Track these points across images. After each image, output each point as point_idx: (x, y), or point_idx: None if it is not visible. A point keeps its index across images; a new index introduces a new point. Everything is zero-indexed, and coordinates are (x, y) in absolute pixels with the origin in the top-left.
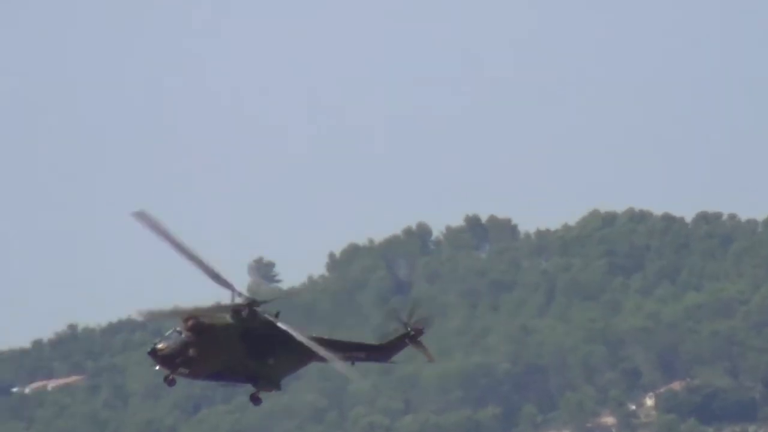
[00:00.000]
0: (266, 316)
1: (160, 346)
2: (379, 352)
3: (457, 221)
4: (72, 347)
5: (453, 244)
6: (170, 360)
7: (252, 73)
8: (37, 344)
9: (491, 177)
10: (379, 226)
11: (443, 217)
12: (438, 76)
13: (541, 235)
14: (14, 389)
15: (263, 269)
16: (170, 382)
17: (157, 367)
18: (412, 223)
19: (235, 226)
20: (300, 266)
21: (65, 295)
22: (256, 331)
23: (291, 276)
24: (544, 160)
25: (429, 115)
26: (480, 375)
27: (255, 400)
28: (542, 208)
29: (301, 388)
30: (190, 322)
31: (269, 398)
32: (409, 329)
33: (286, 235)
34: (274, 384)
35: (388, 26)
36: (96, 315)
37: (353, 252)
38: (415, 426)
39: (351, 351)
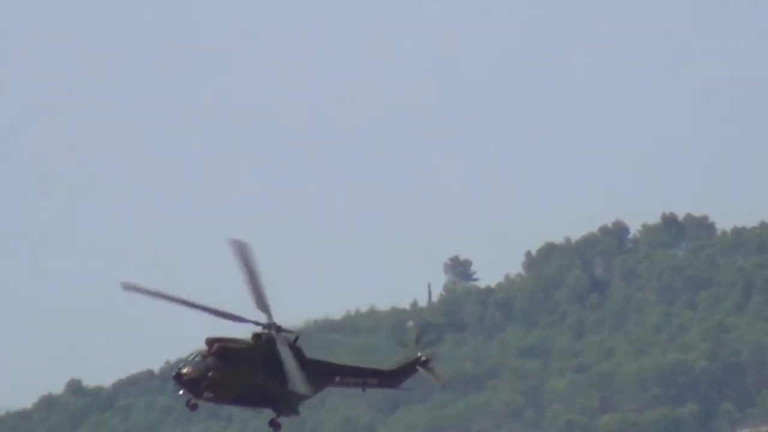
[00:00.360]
0: (285, 341)
1: (185, 370)
2: (390, 378)
3: (654, 219)
4: None
5: (650, 242)
6: (195, 385)
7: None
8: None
9: (688, 175)
10: (576, 225)
11: (640, 215)
12: (649, 74)
13: (738, 232)
14: None
15: (459, 268)
16: (192, 407)
17: (182, 392)
18: (609, 222)
19: (432, 225)
20: (496, 265)
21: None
22: (276, 356)
23: (487, 275)
24: (740, 158)
25: (628, 114)
26: (677, 372)
27: (275, 425)
28: (739, 206)
29: (499, 387)
30: (214, 347)
31: (464, 399)
32: (419, 355)
33: (482, 234)
34: (293, 408)
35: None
36: (295, 315)
37: (550, 251)
38: (612, 424)
39: (363, 376)
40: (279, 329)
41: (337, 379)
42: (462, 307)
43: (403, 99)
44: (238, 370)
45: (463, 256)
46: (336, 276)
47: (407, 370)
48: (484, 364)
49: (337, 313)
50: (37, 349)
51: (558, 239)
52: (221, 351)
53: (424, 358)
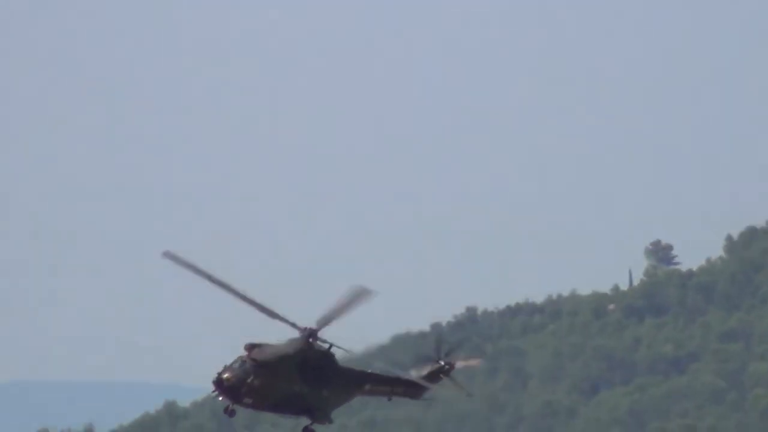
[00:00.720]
0: (321, 347)
1: (226, 376)
2: (415, 388)
3: None
4: (471, 330)
5: None
6: (236, 390)
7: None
8: (436, 327)
9: None
10: None
11: None
12: None
13: None
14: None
15: (661, 252)
16: (231, 413)
17: (221, 398)
18: None
19: (633, 209)
20: (698, 249)
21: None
22: (312, 362)
23: (688, 259)
24: None
25: None
26: None
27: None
28: None
29: (700, 370)
30: (253, 352)
31: (666, 382)
32: (443, 364)
33: (683, 218)
34: (327, 416)
35: None
36: (495, 298)
37: (751, 234)
38: None
39: (391, 385)
40: (315, 336)
41: (367, 387)
42: (663, 291)
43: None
44: (278, 375)
45: (664, 241)
46: (536, 261)
47: (432, 378)
48: (686, 348)
49: (538, 297)
50: None
51: (759, 223)
52: (259, 356)
53: (447, 367)
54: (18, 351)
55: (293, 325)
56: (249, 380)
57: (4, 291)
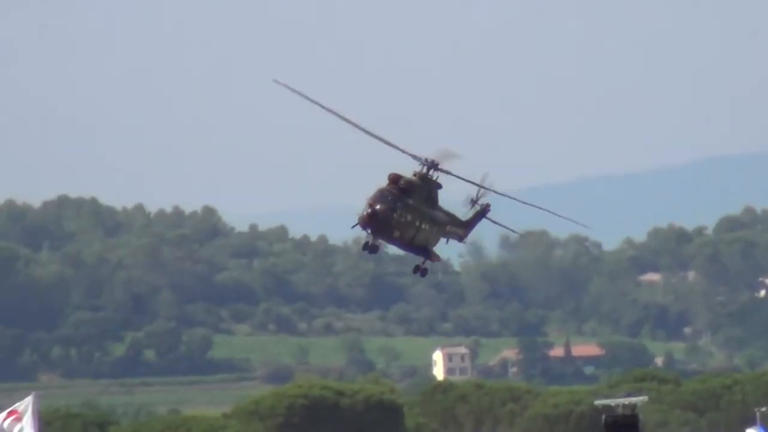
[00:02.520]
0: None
1: (380, 207)
2: (465, 228)
3: None
4: None
5: None
6: (387, 224)
7: None
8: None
9: None
10: None
11: None
12: None
13: None
14: None
15: None
16: (373, 249)
17: (370, 231)
18: None
19: None
20: None
21: None
22: (433, 197)
23: None
24: None
25: None
26: None
27: (423, 272)
28: None
29: None
30: (402, 182)
31: None
32: (482, 206)
33: None
34: (436, 254)
35: None
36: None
37: None
38: None
39: (462, 227)
40: (437, 168)
41: (448, 228)
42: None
43: None
44: (418, 209)
45: None
46: None
47: (474, 221)
48: None
49: None
50: None
51: None
52: (408, 188)
53: (486, 209)
54: None
55: (414, 156)
56: (397, 213)
57: None
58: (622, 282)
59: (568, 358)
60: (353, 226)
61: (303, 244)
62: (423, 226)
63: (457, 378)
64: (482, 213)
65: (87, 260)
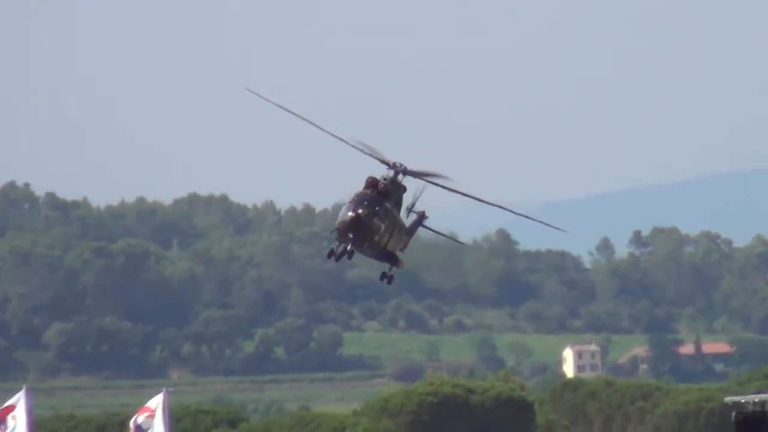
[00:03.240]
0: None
1: (362, 212)
2: (408, 236)
3: None
4: None
5: None
6: (367, 230)
7: None
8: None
9: None
10: None
11: None
12: None
13: None
14: None
15: None
16: (349, 255)
17: (351, 236)
18: None
19: None
20: None
21: None
22: (399, 202)
23: None
24: None
25: None
26: None
27: (390, 279)
28: None
29: None
30: (381, 186)
31: None
32: (419, 213)
33: None
34: (400, 259)
35: None
36: None
37: None
38: None
39: (410, 235)
40: (407, 173)
41: (405, 237)
42: None
43: None
44: (393, 212)
45: None
46: None
47: (414, 228)
48: None
49: None
50: None
51: None
52: (386, 191)
53: (424, 216)
54: None
55: (383, 161)
56: (378, 218)
57: None
58: (752, 279)
59: (698, 355)
60: (331, 231)
61: (433, 241)
62: (395, 232)
63: (587, 375)
64: (420, 221)
65: (217, 258)
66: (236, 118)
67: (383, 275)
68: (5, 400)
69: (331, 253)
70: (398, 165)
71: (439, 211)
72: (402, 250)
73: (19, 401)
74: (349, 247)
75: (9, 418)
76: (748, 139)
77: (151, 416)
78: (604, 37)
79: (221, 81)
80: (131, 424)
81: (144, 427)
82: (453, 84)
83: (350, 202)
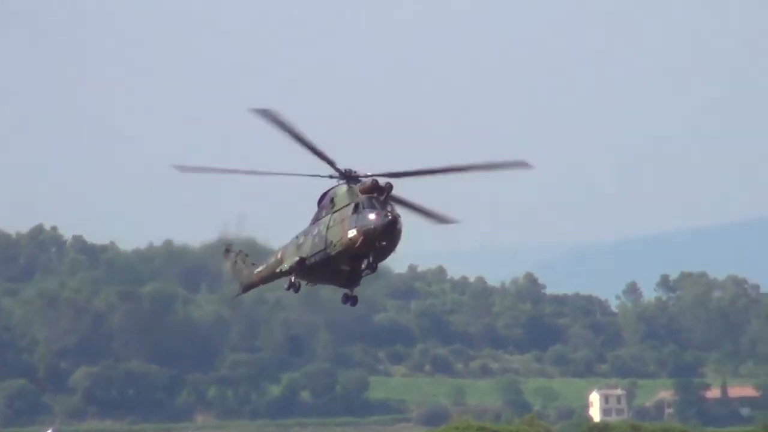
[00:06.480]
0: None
1: (396, 213)
2: None
3: None
4: None
5: None
6: (399, 232)
7: None
8: None
9: None
10: None
11: None
12: None
13: None
14: None
15: None
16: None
17: (384, 243)
18: None
19: None
20: None
21: None
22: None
23: None
24: None
25: None
26: None
27: (354, 300)
28: None
29: None
30: (387, 185)
31: None
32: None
33: None
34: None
35: None
36: None
37: None
38: None
39: None
40: (356, 179)
41: None
42: None
43: None
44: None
45: None
46: None
47: None
48: None
49: None
50: None
51: None
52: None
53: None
54: None
55: (331, 163)
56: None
57: None
58: None
59: (725, 399)
60: (351, 239)
61: (461, 284)
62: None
63: (613, 419)
64: None
65: (244, 301)
66: (265, 156)
67: (347, 297)
68: None
69: (290, 285)
70: (345, 171)
71: (466, 254)
72: None
73: None
74: (369, 260)
75: None
76: None
77: None
78: (631, 79)
79: (243, 121)
80: None
81: None
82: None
83: (369, 208)
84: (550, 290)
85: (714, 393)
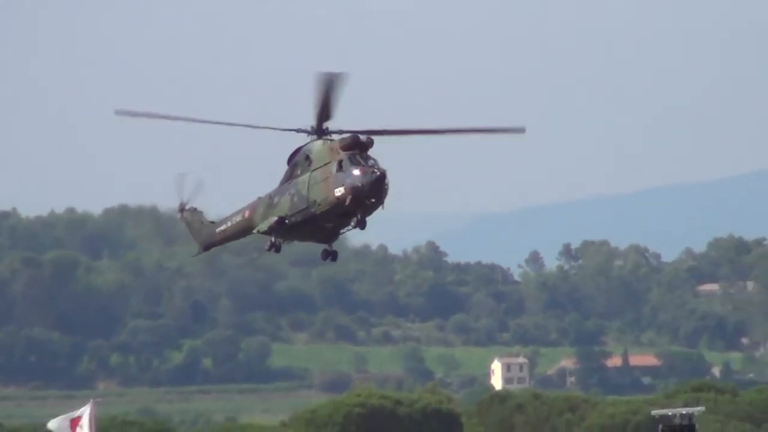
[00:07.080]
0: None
1: (382, 168)
2: None
3: None
4: None
5: None
6: (386, 189)
7: None
8: None
9: None
10: None
11: None
12: None
13: None
14: None
15: None
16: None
17: (373, 200)
18: None
19: None
20: None
21: None
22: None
23: None
24: None
25: None
26: None
27: (334, 255)
28: None
29: None
30: (368, 140)
31: None
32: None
33: None
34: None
35: None
36: None
37: None
38: None
39: None
40: (326, 133)
41: None
42: None
43: None
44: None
45: None
46: None
47: None
48: None
49: None
50: None
51: None
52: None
53: None
54: None
55: (298, 130)
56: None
57: None
58: (680, 292)
59: (626, 368)
60: (339, 197)
61: (363, 252)
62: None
63: (514, 387)
64: None
65: (146, 268)
66: (161, 128)
67: (327, 253)
68: None
69: (272, 246)
70: (311, 127)
71: (369, 222)
72: None
73: None
74: (358, 218)
75: None
76: (675, 155)
77: (79, 427)
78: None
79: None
80: None
81: None
82: (391, 83)
83: (354, 165)
84: (452, 259)
85: (615, 361)
